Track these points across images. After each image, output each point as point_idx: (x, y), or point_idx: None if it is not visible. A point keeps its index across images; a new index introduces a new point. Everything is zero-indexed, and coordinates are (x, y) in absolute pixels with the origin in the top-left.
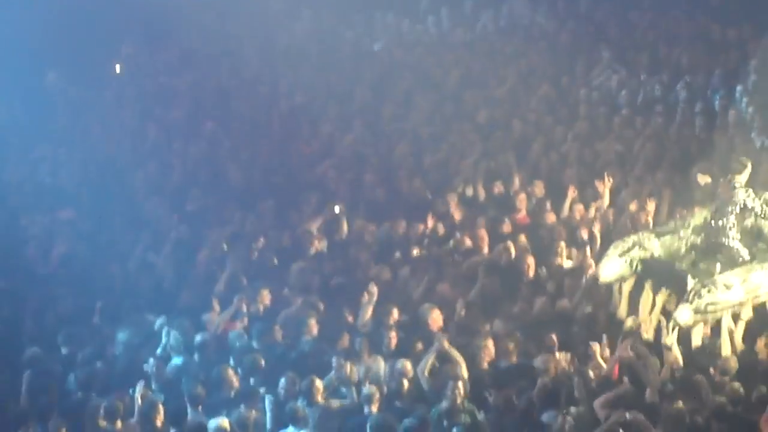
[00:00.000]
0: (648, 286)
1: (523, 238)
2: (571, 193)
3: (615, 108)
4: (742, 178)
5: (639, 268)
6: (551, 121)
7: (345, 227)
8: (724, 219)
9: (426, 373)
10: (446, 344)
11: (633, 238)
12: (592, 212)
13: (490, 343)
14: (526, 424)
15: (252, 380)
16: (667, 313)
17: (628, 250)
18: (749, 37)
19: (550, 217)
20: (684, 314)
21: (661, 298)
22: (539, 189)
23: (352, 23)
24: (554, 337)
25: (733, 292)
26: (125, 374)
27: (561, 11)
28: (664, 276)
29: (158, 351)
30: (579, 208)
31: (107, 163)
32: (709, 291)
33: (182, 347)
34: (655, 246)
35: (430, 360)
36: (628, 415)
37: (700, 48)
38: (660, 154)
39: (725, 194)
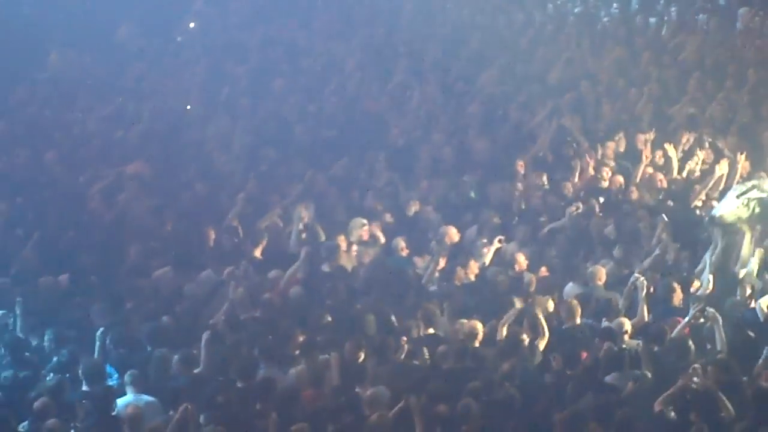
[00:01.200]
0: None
1: (593, 200)
2: (645, 156)
3: (686, 71)
4: None
5: (756, 209)
6: (623, 83)
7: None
8: None
9: (504, 331)
10: (538, 312)
11: (753, 181)
12: (662, 175)
13: (551, 305)
14: (590, 384)
15: (318, 338)
16: None
17: (747, 191)
18: None
19: (619, 180)
20: None
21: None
22: (610, 150)
23: None
24: (617, 300)
25: None
26: (191, 328)
27: None
28: None
29: (223, 307)
30: (650, 170)
31: (177, 117)
32: None
33: (248, 304)
34: None
35: (510, 319)
36: (696, 379)
37: None
38: (731, 117)
39: None
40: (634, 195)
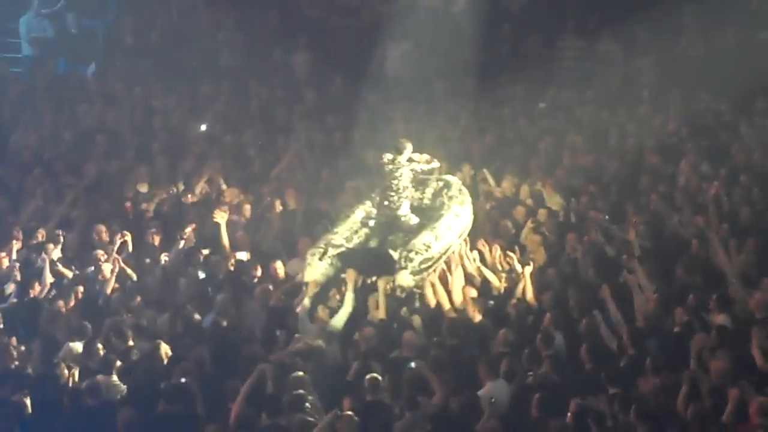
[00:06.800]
0: (354, 274)
1: None
2: None
3: None
4: (403, 158)
5: (338, 264)
6: None
7: None
8: (393, 195)
9: None
10: None
11: (323, 240)
12: None
13: None
14: None
15: None
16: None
17: (324, 252)
18: None
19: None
20: (405, 278)
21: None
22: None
23: None
24: None
25: (434, 248)
26: None
27: None
28: (363, 261)
29: None
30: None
31: None
32: (416, 253)
33: None
34: (341, 240)
35: None
36: None
37: None
38: None
39: (390, 175)
40: None
